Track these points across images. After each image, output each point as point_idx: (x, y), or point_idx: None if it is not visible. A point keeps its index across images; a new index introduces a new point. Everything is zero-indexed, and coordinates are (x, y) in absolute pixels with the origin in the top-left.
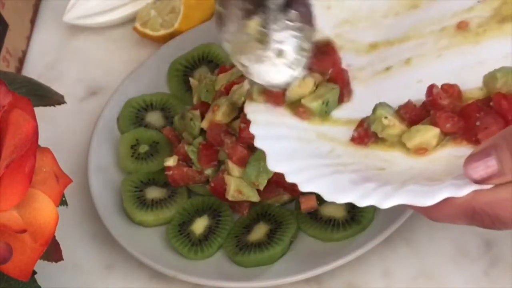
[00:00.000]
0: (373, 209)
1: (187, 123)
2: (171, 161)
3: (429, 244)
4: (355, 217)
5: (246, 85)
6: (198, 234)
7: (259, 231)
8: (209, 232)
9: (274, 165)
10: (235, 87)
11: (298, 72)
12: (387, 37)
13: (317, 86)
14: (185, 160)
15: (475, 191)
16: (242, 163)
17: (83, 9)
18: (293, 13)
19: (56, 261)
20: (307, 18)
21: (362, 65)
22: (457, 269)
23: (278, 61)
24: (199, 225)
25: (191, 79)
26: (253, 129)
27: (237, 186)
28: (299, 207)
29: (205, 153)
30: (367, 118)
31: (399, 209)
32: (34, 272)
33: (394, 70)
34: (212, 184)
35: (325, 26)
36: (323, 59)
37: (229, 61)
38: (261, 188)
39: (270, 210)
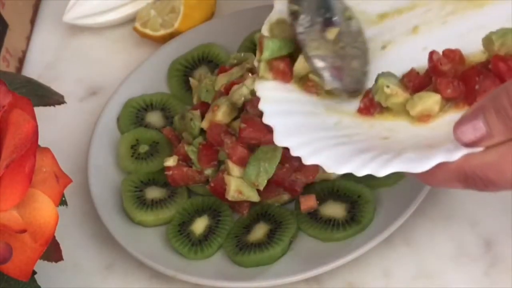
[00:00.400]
0: (373, 209)
1: (187, 123)
2: (171, 161)
3: (429, 244)
4: (355, 217)
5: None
6: (198, 234)
7: (259, 231)
8: (209, 232)
9: (281, 140)
10: (235, 87)
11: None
12: (395, 6)
13: None
14: (185, 160)
15: (466, 155)
16: (242, 163)
17: (83, 9)
18: (354, 21)
19: (56, 261)
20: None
21: (371, 36)
22: (457, 269)
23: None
24: (199, 225)
25: (191, 79)
26: (261, 106)
27: (237, 186)
28: (299, 207)
29: (205, 153)
30: (371, 88)
31: (399, 209)
32: (34, 272)
33: (401, 38)
34: (212, 184)
35: None
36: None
37: (229, 61)
38: (261, 188)
39: (270, 210)
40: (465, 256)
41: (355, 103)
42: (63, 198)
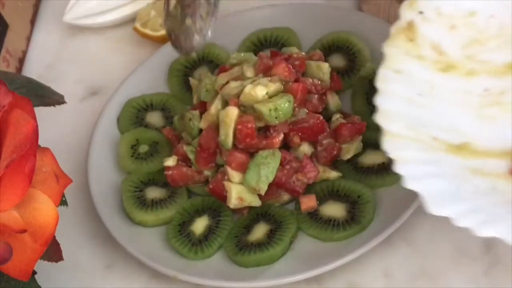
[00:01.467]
0: (373, 209)
1: (186, 123)
2: (170, 161)
3: (429, 244)
4: (355, 217)
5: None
6: (198, 234)
7: (259, 231)
8: (209, 232)
9: (437, 209)
10: (231, 83)
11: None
12: None
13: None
14: (185, 160)
15: None
16: (242, 168)
17: (83, 9)
18: None
19: (56, 261)
20: None
21: (503, 88)
22: (457, 269)
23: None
24: (199, 225)
25: (191, 79)
26: (399, 169)
27: (238, 193)
28: (299, 207)
29: (203, 155)
30: None
31: (399, 209)
32: (34, 272)
33: None
34: (211, 186)
35: (453, 48)
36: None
37: (229, 61)
38: (263, 193)
39: (270, 210)
40: (465, 256)
41: (502, 163)
42: (63, 198)
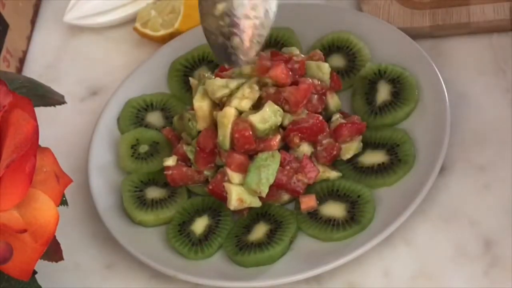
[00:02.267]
0: (373, 209)
1: (185, 123)
2: (170, 161)
3: (429, 244)
4: (355, 217)
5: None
6: (198, 234)
7: (259, 231)
8: (209, 232)
9: None
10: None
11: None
12: None
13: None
14: (184, 160)
15: None
16: (241, 169)
17: (83, 10)
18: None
19: (57, 261)
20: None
21: None
22: (457, 269)
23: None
24: (199, 225)
25: (191, 79)
26: None
27: (238, 194)
28: (299, 207)
29: (202, 155)
30: None
31: (399, 209)
32: (35, 272)
33: None
34: (211, 187)
35: None
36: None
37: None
38: (264, 195)
39: (270, 210)
40: (464, 256)
41: None
42: (64, 198)
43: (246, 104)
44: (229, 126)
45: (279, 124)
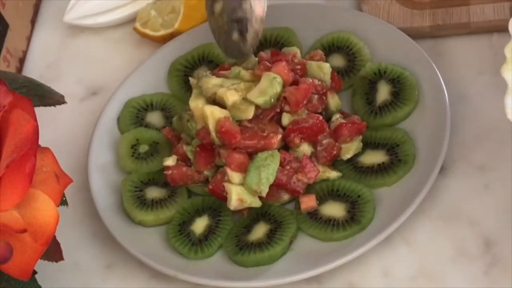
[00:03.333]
0: (373, 209)
1: (184, 124)
2: (170, 161)
3: (429, 244)
4: (355, 217)
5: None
6: (198, 234)
7: (259, 231)
8: (209, 232)
9: None
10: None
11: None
12: None
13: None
14: (184, 160)
15: None
16: (241, 169)
17: (83, 10)
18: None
19: (57, 261)
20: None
21: None
22: (456, 269)
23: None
24: (199, 225)
25: (191, 79)
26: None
27: (239, 194)
28: (299, 207)
29: (202, 155)
30: None
31: (399, 209)
32: (35, 272)
33: None
34: (211, 187)
35: None
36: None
37: (228, 61)
38: (264, 195)
39: (270, 210)
40: (464, 256)
41: None
42: (64, 198)
43: (231, 96)
44: (213, 122)
45: (279, 93)
